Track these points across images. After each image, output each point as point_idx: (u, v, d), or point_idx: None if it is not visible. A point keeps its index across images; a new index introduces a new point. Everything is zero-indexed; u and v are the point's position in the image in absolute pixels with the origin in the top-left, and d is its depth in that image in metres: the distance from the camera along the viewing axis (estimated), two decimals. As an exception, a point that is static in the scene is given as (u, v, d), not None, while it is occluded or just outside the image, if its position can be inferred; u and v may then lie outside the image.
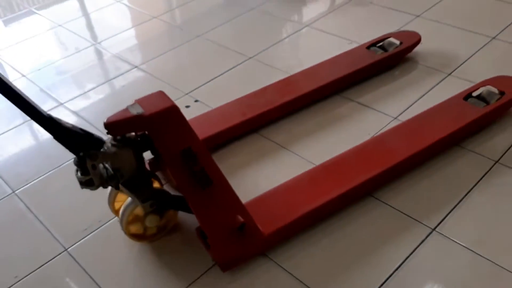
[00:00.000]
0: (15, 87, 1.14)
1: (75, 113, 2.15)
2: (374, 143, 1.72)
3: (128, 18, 3.00)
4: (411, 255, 1.41)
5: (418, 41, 2.21)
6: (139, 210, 1.45)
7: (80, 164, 1.29)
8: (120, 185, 1.39)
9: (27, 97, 1.17)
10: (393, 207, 1.55)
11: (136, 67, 2.44)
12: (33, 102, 1.19)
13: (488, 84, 1.89)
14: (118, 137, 1.34)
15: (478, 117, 1.75)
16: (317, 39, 2.51)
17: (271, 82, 2.07)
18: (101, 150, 1.30)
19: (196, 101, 2.13)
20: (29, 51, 2.71)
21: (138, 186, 1.41)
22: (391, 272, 1.37)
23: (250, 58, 2.39)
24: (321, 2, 2.85)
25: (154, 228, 1.51)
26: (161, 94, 1.39)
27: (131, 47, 2.65)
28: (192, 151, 1.35)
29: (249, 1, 2.92)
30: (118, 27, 2.84)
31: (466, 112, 1.78)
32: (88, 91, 2.30)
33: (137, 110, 1.31)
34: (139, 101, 1.35)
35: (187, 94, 2.18)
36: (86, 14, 3.07)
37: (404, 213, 1.53)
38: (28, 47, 2.75)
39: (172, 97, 2.13)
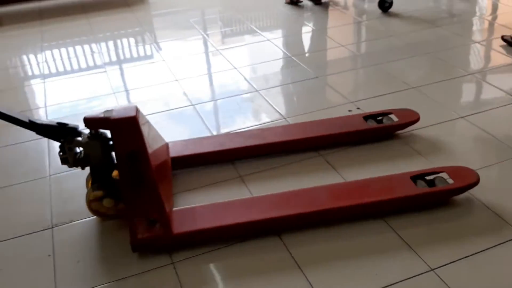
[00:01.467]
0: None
1: (265, 100, 2.84)
2: (305, 191, 1.90)
3: (321, 43, 3.68)
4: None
5: (414, 121, 2.30)
6: (98, 192, 1.81)
7: (61, 146, 1.76)
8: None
9: (9, 111, 1.69)
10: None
11: (317, 77, 3.05)
12: (15, 113, 1.70)
13: (445, 171, 1.92)
14: (93, 131, 1.74)
15: (410, 195, 1.82)
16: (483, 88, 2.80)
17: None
18: (78, 138, 1.74)
19: (357, 108, 2.63)
20: (244, 53, 3.60)
21: (98, 171, 1.80)
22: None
23: (412, 88, 2.80)
24: None
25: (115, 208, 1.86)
26: (133, 107, 1.71)
27: (318, 63, 3.29)
28: (136, 154, 1.66)
29: (430, 45, 3.34)
30: (309, 48, 3.54)
31: (402, 187, 1.85)
32: (276, 86, 2.99)
33: (108, 115, 1.66)
34: (115, 109, 1.71)
35: (352, 102, 2.69)
36: (290, 35, 3.85)
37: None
38: (244, 50, 3.64)
39: (339, 102, 2.67)
